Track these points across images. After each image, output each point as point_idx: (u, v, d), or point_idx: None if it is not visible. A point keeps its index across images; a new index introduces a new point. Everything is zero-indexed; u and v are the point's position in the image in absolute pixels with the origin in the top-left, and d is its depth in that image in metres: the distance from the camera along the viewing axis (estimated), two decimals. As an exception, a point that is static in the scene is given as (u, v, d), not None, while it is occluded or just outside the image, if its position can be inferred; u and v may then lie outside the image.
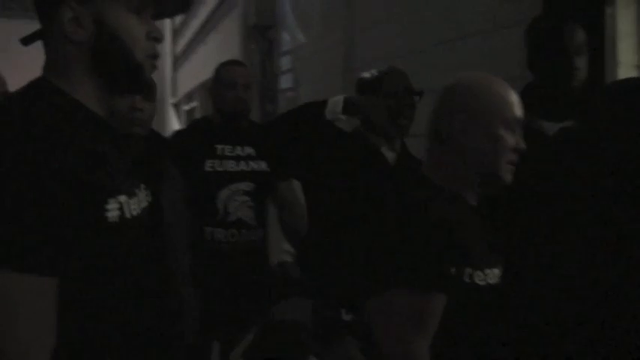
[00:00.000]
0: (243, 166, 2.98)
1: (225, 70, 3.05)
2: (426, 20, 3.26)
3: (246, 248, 2.94)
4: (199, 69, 9.93)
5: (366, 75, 2.63)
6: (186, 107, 12.26)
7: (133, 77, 1.31)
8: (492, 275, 1.53)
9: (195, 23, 11.01)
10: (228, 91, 2.95)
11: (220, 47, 7.91)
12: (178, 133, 3.40)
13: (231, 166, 2.96)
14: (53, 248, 1.11)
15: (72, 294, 1.15)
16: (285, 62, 5.68)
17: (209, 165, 2.93)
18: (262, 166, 3.01)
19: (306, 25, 5.13)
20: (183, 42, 12.85)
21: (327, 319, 1.52)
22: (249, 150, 3.00)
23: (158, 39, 1.33)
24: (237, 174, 2.96)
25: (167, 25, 14.75)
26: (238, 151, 2.99)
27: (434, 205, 1.53)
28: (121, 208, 1.22)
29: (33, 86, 1.27)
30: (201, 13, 10.06)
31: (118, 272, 1.23)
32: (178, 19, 13.48)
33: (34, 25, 1.31)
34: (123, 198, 1.24)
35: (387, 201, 1.61)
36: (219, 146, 2.98)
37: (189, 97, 11.82)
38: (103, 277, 1.20)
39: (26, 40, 1.32)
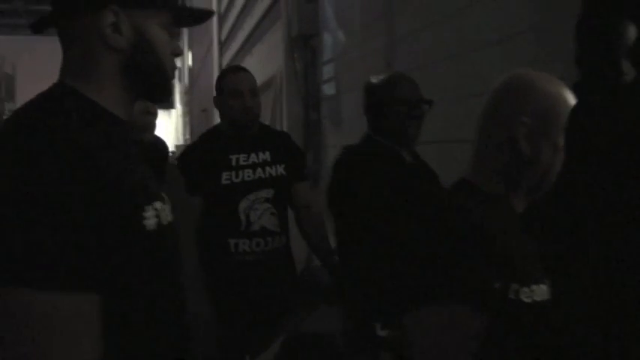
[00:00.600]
0: (260, 173, 2.93)
1: (228, 79, 2.97)
2: (465, 25, 3.26)
3: (272, 256, 2.90)
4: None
5: (375, 80, 2.61)
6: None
7: (164, 88, 1.34)
8: (539, 292, 1.39)
9: (241, 35, 11.11)
10: (234, 100, 2.89)
11: (265, 58, 7.98)
12: (190, 148, 3.25)
13: (248, 175, 2.91)
14: (94, 263, 1.06)
15: (112, 308, 1.10)
16: (327, 70, 5.72)
17: (225, 177, 2.88)
18: (280, 170, 2.97)
19: (347, 33, 5.17)
20: (229, 54, 12.96)
21: (360, 334, 1.46)
22: (264, 156, 2.95)
23: (178, 54, 1.37)
24: (255, 182, 2.91)
25: (214, 37, 14.92)
26: (253, 158, 2.93)
27: (478, 214, 1.42)
28: (157, 215, 1.19)
29: (55, 92, 1.24)
30: (247, 25, 10.15)
31: (155, 282, 1.20)
32: (225, 31, 13.63)
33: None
34: (158, 204, 1.22)
35: (428, 210, 1.52)
36: (233, 156, 2.92)
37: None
38: (141, 289, 1.16)
39: (36, 26, 1.31)
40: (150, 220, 1.16)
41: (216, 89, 3.00)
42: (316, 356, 1.45)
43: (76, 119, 1.16)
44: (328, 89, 5.72)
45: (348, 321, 1.51)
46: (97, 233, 1.06)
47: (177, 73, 1.41)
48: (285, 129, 6.36)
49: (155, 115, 2.26)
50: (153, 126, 2.27)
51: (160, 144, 2.57)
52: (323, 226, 3.14)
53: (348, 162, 2.63)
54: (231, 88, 2.91)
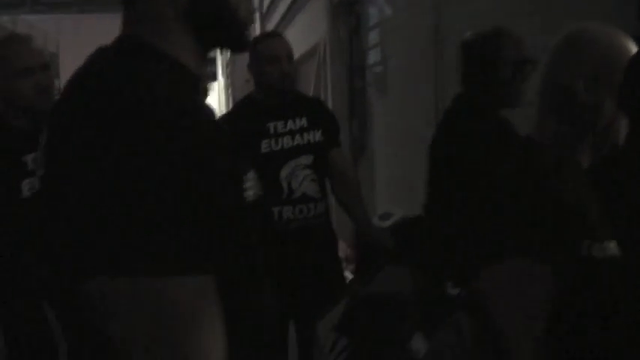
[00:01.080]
0: (298, 140, 2.93)
1: (265, 45, 2.92)
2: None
3: (315, 223, 2.92)
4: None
5: (475, 36, 2.41)
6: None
7: (235, 34, 1.17)
8: (612, 248, 1.36)
9: (282, 5, 11.03)
10: (271, 66, 2.86)
11: (308, 27, 7.90)
12: (225, 118, 3.14)
13: (287, 142, 2.91)
14: (212, 242, 0.93)
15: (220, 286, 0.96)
16: (372, 36, 5.62)
17: (265, 146, 2.88)
18: (317, 136, 2.96)
19: (392, -3, 5.08)
20: (271, 25, 12.89)
21: (432, 293, 1.42)
22: (301, 122, 2.94)
23: None
24: (294, 149, 2.91)
25: (255, 8, 14.82)
26: (291, 125, 2.92)
27: (549, 172, 1.40)
28: (252, 186, 1.11)
29: (126, 45, 1.10)
30: (289, -7, 10.08)
31: (251, 255, 1.09)
32: (266, 2, 13.55)
33: (106, 20, 1.23)
34: (251, 174, 1.13)
35: (502, 166, 1.52)
36: (271, 124, 2.91)
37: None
38: (242, 263, 1.05)
39: None
40: (249, 192, 1.08)
41: (252, 57, 2.95)
42: (384, 316, 1.39)
43: (163, 79, 1.01)
44: (373, 56, 5.63)
45: (417, 280, 1.47)
46: (217, 210, 0.93)
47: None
48: (329, 98, 6.30)
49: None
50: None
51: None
52: (359, 192, 3.14)
53: (451, 124, 2.52)
54: (268, 54, 2.87)
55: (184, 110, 0.95)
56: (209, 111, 1.08)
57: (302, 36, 8.01)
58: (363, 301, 1.52)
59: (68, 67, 2.70)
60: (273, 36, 3.05)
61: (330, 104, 6.35)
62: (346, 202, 3.14)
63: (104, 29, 1.15)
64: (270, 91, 2.92)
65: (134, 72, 1.01)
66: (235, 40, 1.19)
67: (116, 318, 0.88)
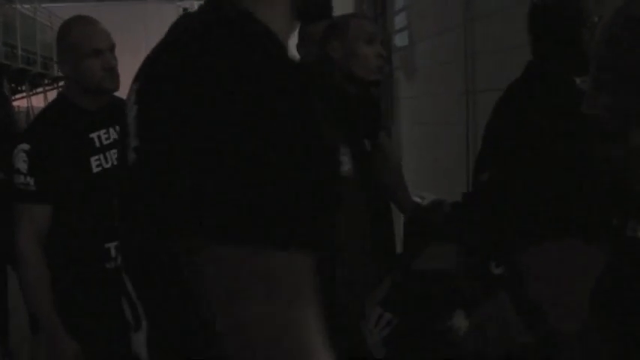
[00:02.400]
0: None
1: (82, 33, 2.50)
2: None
3: None
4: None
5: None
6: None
7: (321, 6, 1.25)
8: None
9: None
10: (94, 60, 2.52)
11: (335, 10, 7.85)
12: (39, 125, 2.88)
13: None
14: (312, 218, 0.86)
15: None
16: (399, 20, 5.57)
17: (96, 164, 2.65)
18: None
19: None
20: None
21: (476, 272, 1.41)
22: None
23: None
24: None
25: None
26: (113, 134, 2.72)
27: (594, 150, 1.33)
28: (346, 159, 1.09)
29: (230, 15, 0.98)
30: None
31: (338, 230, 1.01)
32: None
33: (125, 8, 1.20)
34: (344, 147, 1.12)
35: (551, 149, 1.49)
36: (94, 134, 2.68)
37: (302, 63, 11.85)
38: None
39: None
40: (344, 166, 1.08)
41: (61, 47, 2.58)
42: (428, 293, 1.37)
43: (271, 51, 0.90)
44: (400, 39, 5.58)
45: (462, 259, 1.45)
46: (322, 185, 0.87)
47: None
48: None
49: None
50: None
51: None
52: (401, 173, 3.15)
53: (513, 97, 2.37)
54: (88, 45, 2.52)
55: (294, 77, 0.87)
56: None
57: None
58: (408, 278, 1.51)
59: None
60: (93, 22, 2.56)
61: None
62: (388, 183, 3.13)
63: (123, 17, 1.10)
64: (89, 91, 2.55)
65: (233, 38, 0.90)
66: (322, 11, 1.17)
67: (217, 288, 0.84)
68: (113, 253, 2.38)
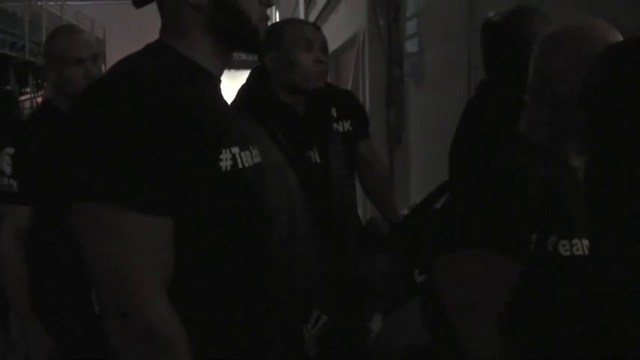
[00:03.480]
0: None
1: (64, 42, 2.59)
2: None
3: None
4: (330, 38, 9.92)
5: (494, 16, 2.29)
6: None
7: (248, 40, 1.41)
8: (582, 247, 1.35)
9: (326, -7, 11.02)
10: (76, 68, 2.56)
11: (349, 15, 7.89)
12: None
13: None
14: (168, 191, 1.21)
15: (186, 236, 1.26)
16: (411, 26, 5.59)
17: None
18: (346, 126, 2.90)
19: (430, -13, 5.03)
20: (315, 12, 12.89)
21: (399, 280, 1.47)
22: (330, 112, 2.87)
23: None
24: None
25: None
26: None
27: (520, 161, 1.40)
28: (234, 159, 1.31)
29: (151, 47, 1.38)
30: (332, -18, 10.05)
31: (230, 218, 1.32)
32: (310, -11, 13.55)
33: (152, 7, 1.42)
34: (236, 150, 1.32)
35: (474, 160, 1.54)
36: None
37: (321, 66, 11.85)
38: (215, 222, 1.30)
39: (138, 3, 1.41)
40: (225, 162, 1.29)
41: (48, 55, 2.66)
42: (353, 298, 1.46)
43: (164, 69, 1.29)
44: (411, 46, 5.60)
45: (392, 267, 1.53)
46: (177, 167, 1.21)
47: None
48: (366, 87, 6.28)
49: (325, 63, 2.35)
50: (325, 74, 2.37)
51: (326, 94, 2.59)
52: (388, 184, 3.15)
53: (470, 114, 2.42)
54: (302, 40, 2.60)
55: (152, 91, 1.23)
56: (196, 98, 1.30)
57: (345, 24, 8.00)
58: (343, 283, 1.62)
59: (114, 52, 2.76)
60: (77, 32, 2.67)
61: (367, 93, 6.34)
62: (374, 194, 3.14)
63: (150, 16, 1.42)
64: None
65: (140, 69, 1.29)
66: (248, 46, 1.44)
67: (82, 236, 1.25)
68: None
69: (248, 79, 2.46)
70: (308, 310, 1.54)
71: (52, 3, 18.46)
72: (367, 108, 6.32)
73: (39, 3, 16.79)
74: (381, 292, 1.46)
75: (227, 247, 1.32)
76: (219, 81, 1.44)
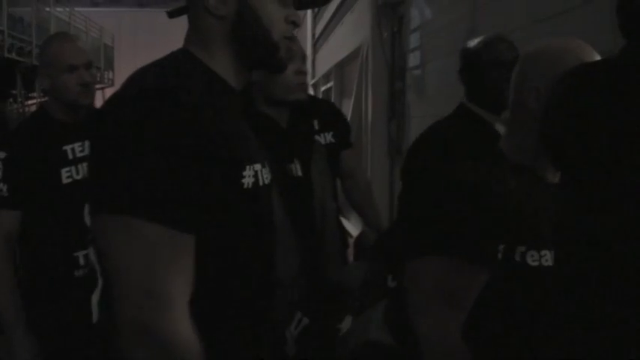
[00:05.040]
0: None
1: (60, 48, 2.59)
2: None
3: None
4: (336, 50, 9.98)
5: (469, 43, 2.48)
6: (323, 87, 12.39)
7: (268, 54, 1.39)
8: (550, 258, 1.39)
9: (333, 4, 11.06)
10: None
11: (354, 27, 7.91)
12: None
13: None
14: (194, 208, 1.20)
15: (207, 250, 1.25)
16: (414, 39, 5.60)
17: (66, 175, 2.69)
18: (329, 137, 2.94)
19: (433, 0, 5.04)
20: (321, 24, 12.94)
21: (373, 285, 1.51)
22: (312, 125, 2.92)
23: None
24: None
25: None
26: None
27: (491, 174, 1.44)
28: (255, 176, 1.31)
29: (176, 57, 1.38)
30: (338, -6, 10.09)
31: (249, 233, 1.33)
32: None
33: (161, 15, 1.42)
34: (258, 166, 1.33)
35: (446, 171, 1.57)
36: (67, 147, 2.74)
37: (326, 77, 11.92)
38: (236, 237, 1.30)
39: (172, 14, 1.43)
40: (248, 179, 1.29)
41: (43, 61, 2.67)
42: (328, 301, 1.56)
43: (188, 80, 1.29)
44: (413, 59, 5.61)
45: (369, 274, 1.56)
46: (203, 184, 1.21)
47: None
48: (369, 99, 6.29)
49: (306, 74, 2.30)
50: (306, 86, 2.31)
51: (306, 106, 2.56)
52: (370, 193, 3.17)
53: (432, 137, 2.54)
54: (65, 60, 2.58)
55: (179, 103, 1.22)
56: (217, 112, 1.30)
57: (350, 35, 8.02)
58: (323, 287, 1.67)
59: (123, 59, 2.77)
60: (71, 40, 2.66)
61: (369, 105, 6.35)
62: (357, 204, 3.20)
63: (159, 24, 1.40)
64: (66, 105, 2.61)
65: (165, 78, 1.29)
66: (268, 61, 1.41)
67: (106, 246, 1.22)
68: (82, 261, 2.46)
69: None
70: (292, 314, 1.58)
71: (61, 9, 18.55)
72: (369, 119, 6.34)
73: (47, 9, 16.86)
74: (356, 296, 1.49)
75: (238, 261, 1.32)
76: (239, 95, 1.43)
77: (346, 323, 1.43)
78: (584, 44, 1.54)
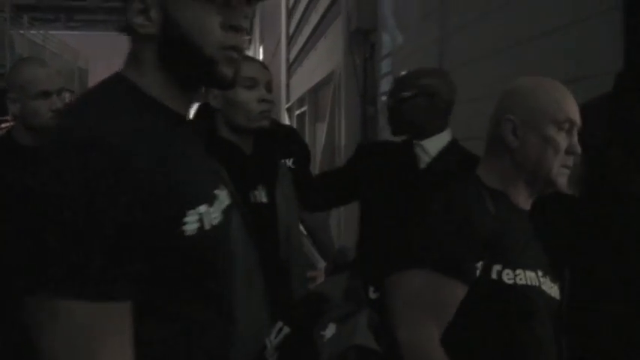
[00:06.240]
0: None
1: (32, 74, 2.59)
2: (516, 18, 3.20)
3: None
4: (310, 75, 10.05)
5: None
6: (297, 111, 12.45)
7: (204, 72, 1.19)
8: (525, 277, 1.50)
9: (306, 30, 11.14)
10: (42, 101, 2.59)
11: (327, 53, 7.99)
12: None
13: None
14: (128, 272, 1.03)
15: (150, 312, 1.09)
16: (385, 65, 5.68)
17: None
18: (289, 163, 2.97)
19: (403, 27, 5.12)
20: (296, 48, 13.02)
21: (354, 295, 1.55)
22: (276, 150, 2.96)
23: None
24: None
25: (283, 31, 15.01)
26: None
27: (472, 197, 1.54)
28: (200, 220, 1.13)
29: (108, 83, 1.20)
30: (312, 20, 10.17)
31: (191, 284, 1.16)
32: (293, 25, 13.69)
33: None
34: (202, 208, 1.14)
35: (426, 189, 1.69)
36: None
37: (300, 101, 11.99)
38: (175, 290, 1.13)
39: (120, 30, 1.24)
40: (191, 225, 1.11)
41: (11, 86, 2.62)
42: (313, 310, 1.55)
43: (118, 118, 1.10)
44: (385, 84, 5.69)
45: (350, 284, 1.61)
46: (138, 243, 1.03)
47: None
48: (342, 124, 6.35)
49: (269, 102, 2.22)
50: (270, 113, 2.24)
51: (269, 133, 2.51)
52: (326, 221, 3.21)
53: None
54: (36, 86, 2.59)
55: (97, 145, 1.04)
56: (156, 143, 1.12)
57: (323, 61, 8.09)
58: (305, 297, 1.68)
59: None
60: (43, 65, 2.65)
61: (343, 129, 6.41)
62: (311, 229, 3.27)
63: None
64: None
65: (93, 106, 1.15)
66: (207, 79, 1.23)
67: (36, 332, 1.03)
68: None
69: (193, 117, 2.32)
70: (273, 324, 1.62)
71: (35, 32, 18.50)
72: (342, 143, 6.39)
73: (21, 32, 16.81)
74: (339, 304, 1.54)
75: (183, 313, 1.15)
76: (184, 117, 1.24)
77: (330, 330, 1.47)
78: (555, 81, 1.67)
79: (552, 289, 1.56)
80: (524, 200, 1.63)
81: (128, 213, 1.01)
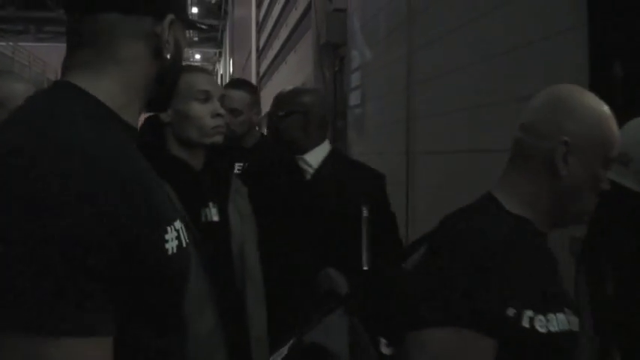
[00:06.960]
0: None
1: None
2: (482, 34, 3.27)
3: None
4: (280, 87, 10.06)
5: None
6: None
7: (168, 98, 1.25)
8: (557, 321, 1.28)
9: (276, 44, 11.19)
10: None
11: (297, 66, 8.04)
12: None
13: None
14: (112, 303, 0.92)
15: (123, 336, 0.96)
16: (354, 79, 5.75)
17: None
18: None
19: (372, 42, 5.20)
20: (266, 62, 13.07)
21: (364, 352, 1.37)
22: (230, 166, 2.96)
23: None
24: None
25: (253, 45, 15.05)
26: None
27: (496, 234, 1.30)
28: (178, 237, 1.05)
29: (57, 90, 1.09)
30: (282, 34, 10.23)
31: (172, 304, 1.08)
32: (263, 39, 13.74)
33: None
34: (178, 224, 1.06)
35: (447, 224, 1.38)
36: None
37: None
38: (158, 310, 1.03)
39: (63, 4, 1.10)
40: (171, 243, 1.01)
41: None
42: None
43: (89, 128, 0.99)
44: (354, 98, 5.75)
45: (354, 334, 1.42)
46: (117, 271, 0.92)
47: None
48: (312, 136, 6.37)
49: (222, 117, 2.15)
50: (223, 128, 2.15)
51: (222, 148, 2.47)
52: None
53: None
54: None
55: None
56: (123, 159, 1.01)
57: (293, 75, 8.14)
58: (297, 350, 1.49)
59: None
60: (17, 80, 2.59)
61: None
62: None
63: None
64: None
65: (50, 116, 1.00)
66: (163, 100, 1.28)
67: None
68: None
69: (140, 130, 2.15)
70: None
71: (4, 44, 18.34)
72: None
73: (-10, 44, 16.67)
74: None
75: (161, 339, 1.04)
76: (135, 130, 1.16)
77: None
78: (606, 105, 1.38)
79: (574, 324, 1.35)
80: (547, 228, 1.38)
81: (111, 233, 0.91)
